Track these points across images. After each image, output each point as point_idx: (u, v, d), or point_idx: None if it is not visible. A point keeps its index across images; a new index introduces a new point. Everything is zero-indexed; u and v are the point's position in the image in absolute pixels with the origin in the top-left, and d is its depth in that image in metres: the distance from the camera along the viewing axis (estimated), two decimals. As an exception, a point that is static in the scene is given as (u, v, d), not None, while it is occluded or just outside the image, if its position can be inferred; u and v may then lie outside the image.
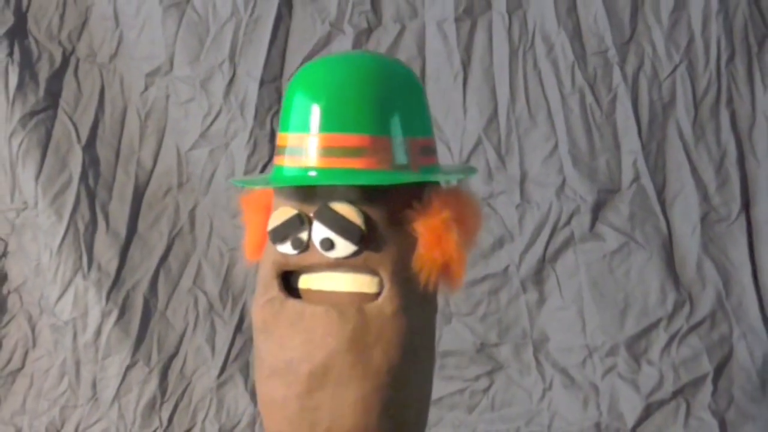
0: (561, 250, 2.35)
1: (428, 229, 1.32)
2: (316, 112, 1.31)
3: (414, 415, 1.40)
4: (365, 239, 1.31)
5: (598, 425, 2.28)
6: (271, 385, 1.37)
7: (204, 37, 2.45)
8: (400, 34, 2.40)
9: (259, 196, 1.45)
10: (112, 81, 2.53)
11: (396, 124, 1.34)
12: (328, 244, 1.31)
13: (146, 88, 2.49)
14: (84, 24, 2.53)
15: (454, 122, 2.38)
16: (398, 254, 1.33)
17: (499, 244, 2.37)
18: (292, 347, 1.34)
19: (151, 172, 2.52)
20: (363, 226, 1.31)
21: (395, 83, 1.38)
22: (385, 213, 1.33)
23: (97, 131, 2.52)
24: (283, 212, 1.34)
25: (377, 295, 1.34)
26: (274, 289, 1.37)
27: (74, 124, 2.51)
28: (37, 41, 2.52)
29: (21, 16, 2.51)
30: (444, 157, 2.32)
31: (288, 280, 1.39)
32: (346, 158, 1.31)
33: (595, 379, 2.31)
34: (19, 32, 2.50)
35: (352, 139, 1.31)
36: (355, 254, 1.32)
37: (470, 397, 2.37)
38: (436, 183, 1.38)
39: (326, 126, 1.31)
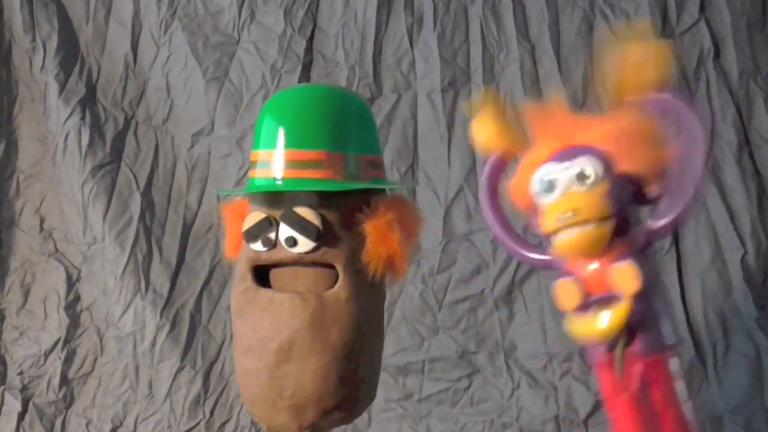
0: (527, 277, 2.47)
1: (375, 229, 1.41)
2: (281, 132, 1.40)
3: (364, 382, 1.48)
4: (322, 237, 1.40)
5: (556, 417, 2.41)
6: (246, 359, 1.45)
7: (239, 104, 2.61)
8: (397, 102, 2.56)
9: (237, 206, 1.53)
10: (164, 140, 2.66)
11: (348, 143, 1.42)
12: (292, 242, 1.40)
13: (192, 146, 2.63)
14: (142, 94, 2.67)
15: (441, 173, 2.51)
16: (350, 250, 1.41)
17: (477, 271, 2.49)
18: (263, 328, 1.42)
19: (196, 213, 2.63)
20: (320, 226, 1.40)
21: (348, 110, 1.46)
22: (339, 216, 1.42)
23: (152, 180, 2.64)
24: (254, 216, 1.43)
25: (333, 283, 1.43)
26: (248, 281, 1.45)
27: (134, 175, 2.64)
28: (104, 108, 2.67)
29: (91, 88, 2.67)
30: (432, 201, 2.49)
31: (260, 273, 1.46)
32: (306, 170, 1.39)
33: (555, 380, 2.43)
34: (89, 100, 2.65)
35: (311, 154, 1.40)
36: (314, 250, 1.41)
37: (453, 395, 2.47)
38: (383, 192, 1.48)
39: (289, 143, 1.40)
